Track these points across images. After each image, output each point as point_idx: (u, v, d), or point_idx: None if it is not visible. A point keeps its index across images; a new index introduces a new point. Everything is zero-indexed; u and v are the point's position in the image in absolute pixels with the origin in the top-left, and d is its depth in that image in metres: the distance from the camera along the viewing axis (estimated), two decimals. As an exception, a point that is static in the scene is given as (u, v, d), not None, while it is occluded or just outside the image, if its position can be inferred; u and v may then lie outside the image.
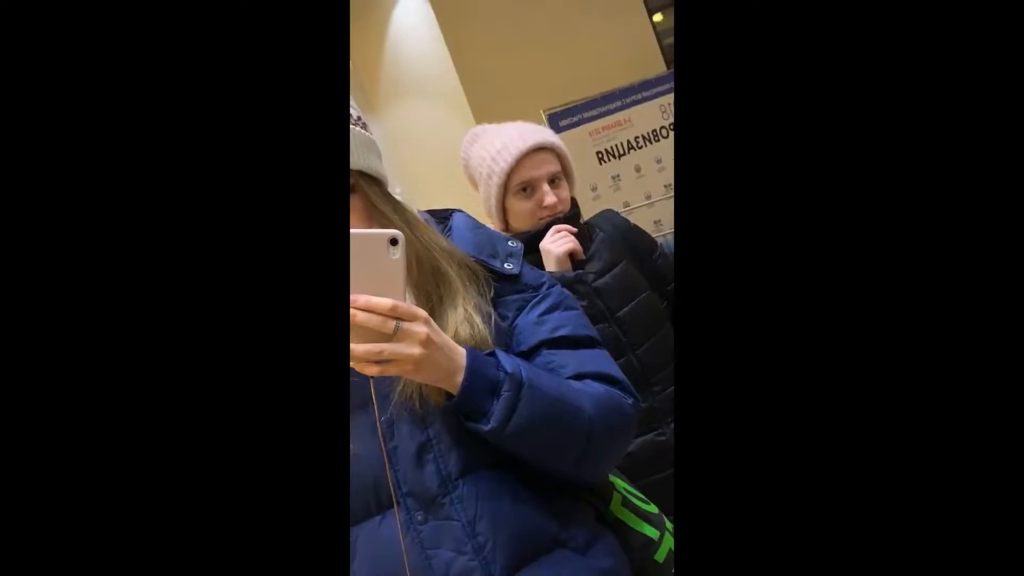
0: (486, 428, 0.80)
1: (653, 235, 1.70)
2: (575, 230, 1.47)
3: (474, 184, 1.60)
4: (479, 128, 1.62)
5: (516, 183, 1.50)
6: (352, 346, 0.73)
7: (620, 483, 0.96)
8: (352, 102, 0.89)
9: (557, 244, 1.43)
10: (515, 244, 0.95)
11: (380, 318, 0.73)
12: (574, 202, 1.56)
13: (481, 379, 0.80)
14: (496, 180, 1.51)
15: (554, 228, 1.46)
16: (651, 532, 0.93)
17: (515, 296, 0.91)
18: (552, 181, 1.52)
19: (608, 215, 1.65)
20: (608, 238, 1.54)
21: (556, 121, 3.52)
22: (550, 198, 1.49)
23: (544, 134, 1.54)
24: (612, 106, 3.56)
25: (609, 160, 3.63)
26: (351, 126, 0.85)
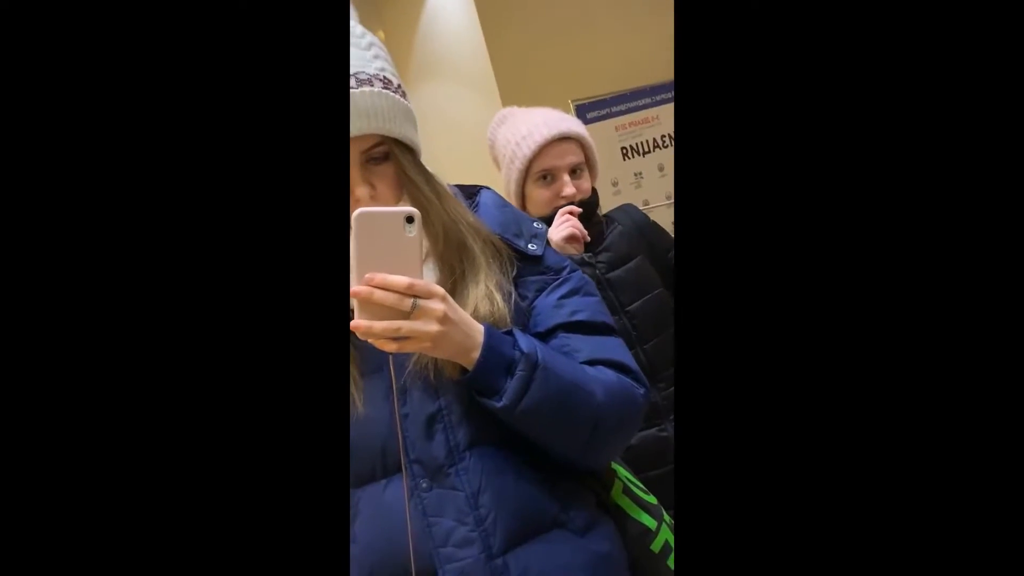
0: (498, 405, 0.81)
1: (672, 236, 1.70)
2: (579, 210, 1.47)
3: (498, 165, 1.61)
4: (508, 110, 1.62)
5: (537, 170, 1.51)
6: (370, 323, 0.74)
7: (622, 471, 0.97)
8: (394, 69, 0.89)
9: (557, 231, 1.44)
10: (540, 226, 0.95)
11: (397, 296, 0.74)
12: (594, 191, 1.56)
13: (497, 357, 0.81)
14: (518, 165, 1.51)
15: (560, 211, 1.46)
16: (649, 522, 0.94)
17: (536, 277, 0.92)
18: (574, 171, 1.52)
19: (628, 209, 1.65)
20: (625, 232, 1.55)
21: (583, 113, 3.51)
22: (569, 189, 1.49)
23: (570, 123, 1.54)
24: (641, 102, 3.55)
25: (633, 156, 3.62)
26: (391, 92, 0.86)
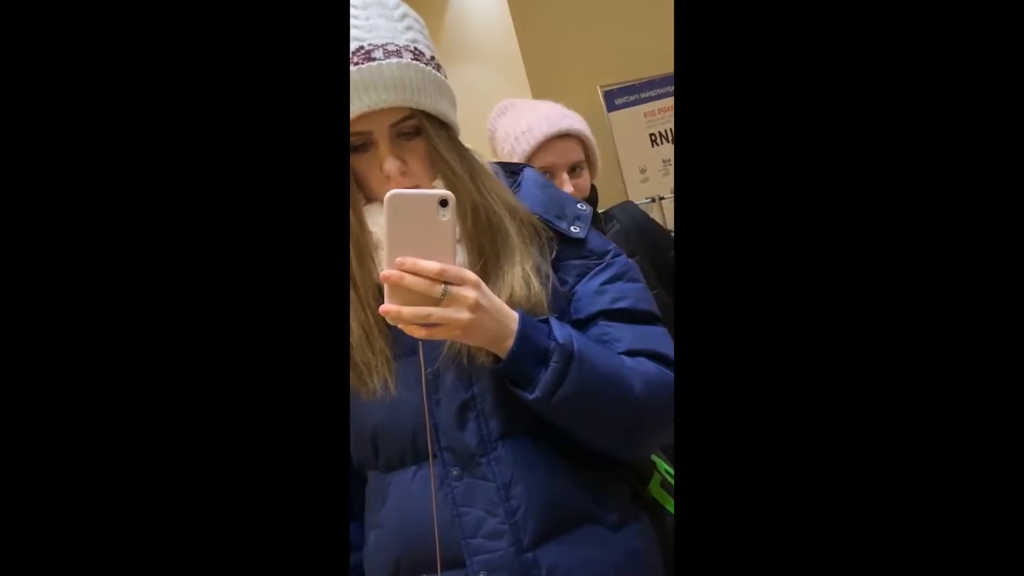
0: (531, 396, 0.78)
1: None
2: None
3: (495, 157, 1.59)
4: (509, 102, 1.59)
5: (536, 167, 1.48)
6: (399, 308, 0.72)
7: (662, 464, 0.95)
8: (428, 42, 0.86)
9: None
10: (584, 207, 0.92)
11: (427, 281, 0.72)
12: (594, 189, 1.54)
13: (531, 346, 0.78)
14: (516, 160, 1.49)
15: None
16: None
17: (578, 261, 0.89)
18: (573, 169, 1.50)
19: (628, 207, 1.63)
20: (623, 230, 1.53)
21: (612, 99, 3.48)
22: (567, 188, 1.46)
23: (571, 120, 1.51)
24: (670, 88, 3.51)
25: (661, 143, 3.58)
26: (423, 64, 0.82)
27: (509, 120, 1.53)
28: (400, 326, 0.74)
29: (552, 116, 1.49)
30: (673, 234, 3.20)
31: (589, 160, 1.53)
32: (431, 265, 0.72)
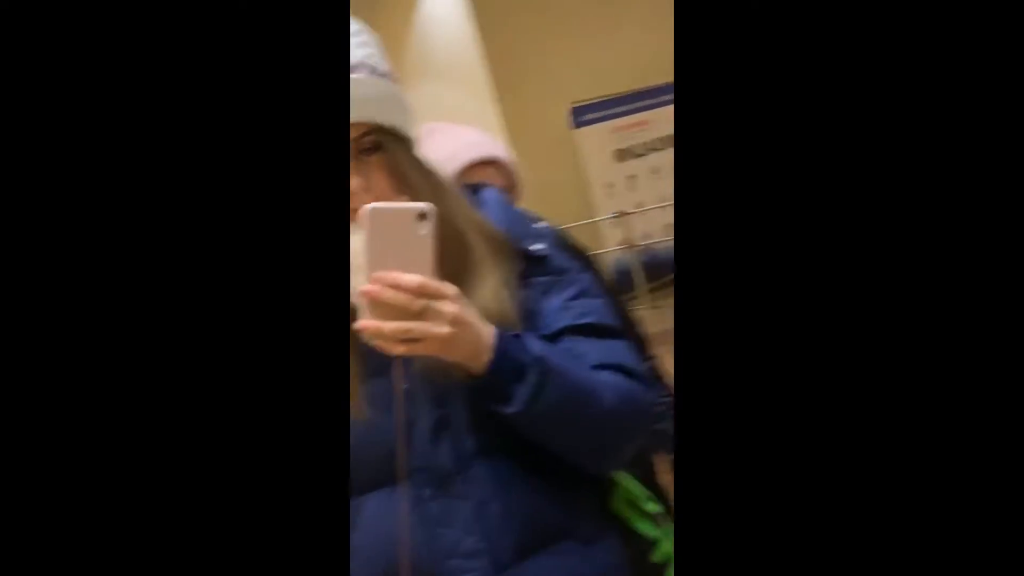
0: (508, 411, 0.78)
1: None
2: None
3: None
4: (435, 124, 1.60)
5: None
6: (379, 324, 0.71)
7: (623, 479, 0.95)
8: (382, 57, 0.86)
9: None
10: (545, 226, 0.93)
11: (408, 296, 0.71)
12: None
13: (508, 361, 0.78)
14: None
15: None
16: (649, 531, 0.93)
17: (542, 279, 0.89)
18: None
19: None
20: None
21: (580, 115, 3.51)
22: None
23: (494, 148, 1.53)
24: (638, 105, 3.55)
25: (627, 159, 3.62)
26: (378, 79, 0.82)
27: (432, 144, 1.54)
28: (378, 343, 0.73)
29: (474, 144, 1.50)
30: (641, 246, 3.23)
31: (511, 187, 1.54)
32: (411, 279, 0.71)
